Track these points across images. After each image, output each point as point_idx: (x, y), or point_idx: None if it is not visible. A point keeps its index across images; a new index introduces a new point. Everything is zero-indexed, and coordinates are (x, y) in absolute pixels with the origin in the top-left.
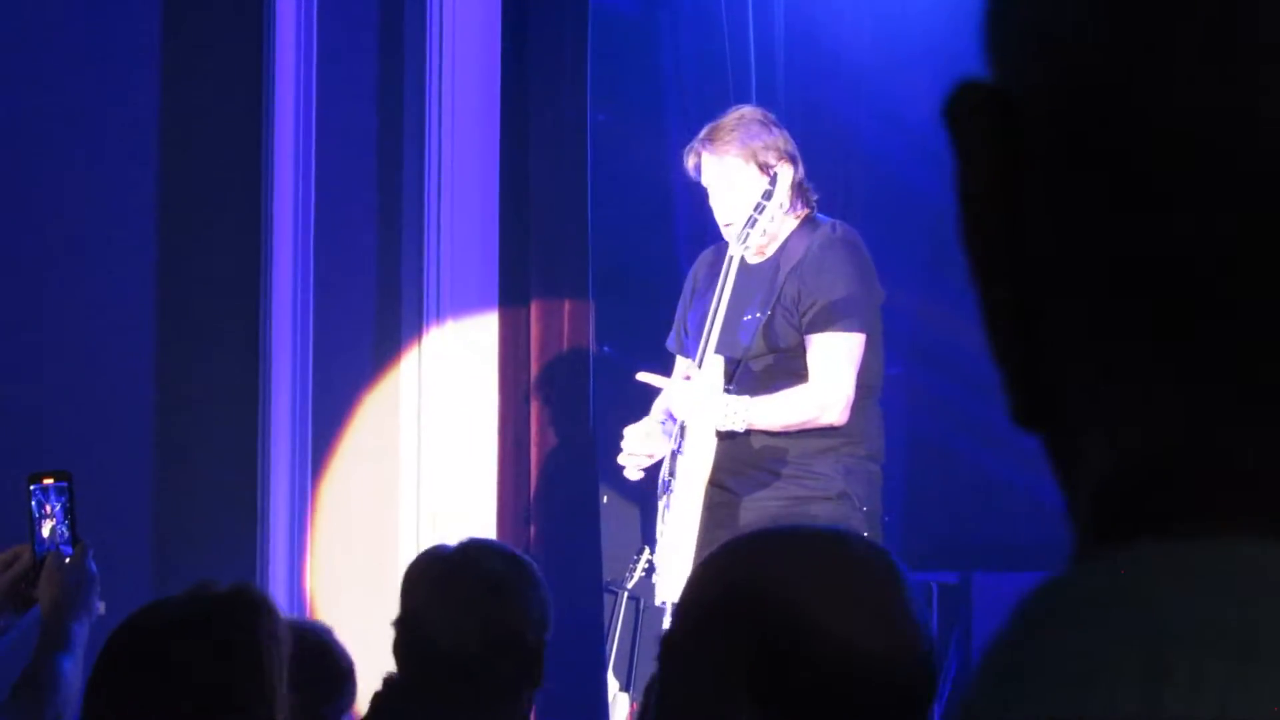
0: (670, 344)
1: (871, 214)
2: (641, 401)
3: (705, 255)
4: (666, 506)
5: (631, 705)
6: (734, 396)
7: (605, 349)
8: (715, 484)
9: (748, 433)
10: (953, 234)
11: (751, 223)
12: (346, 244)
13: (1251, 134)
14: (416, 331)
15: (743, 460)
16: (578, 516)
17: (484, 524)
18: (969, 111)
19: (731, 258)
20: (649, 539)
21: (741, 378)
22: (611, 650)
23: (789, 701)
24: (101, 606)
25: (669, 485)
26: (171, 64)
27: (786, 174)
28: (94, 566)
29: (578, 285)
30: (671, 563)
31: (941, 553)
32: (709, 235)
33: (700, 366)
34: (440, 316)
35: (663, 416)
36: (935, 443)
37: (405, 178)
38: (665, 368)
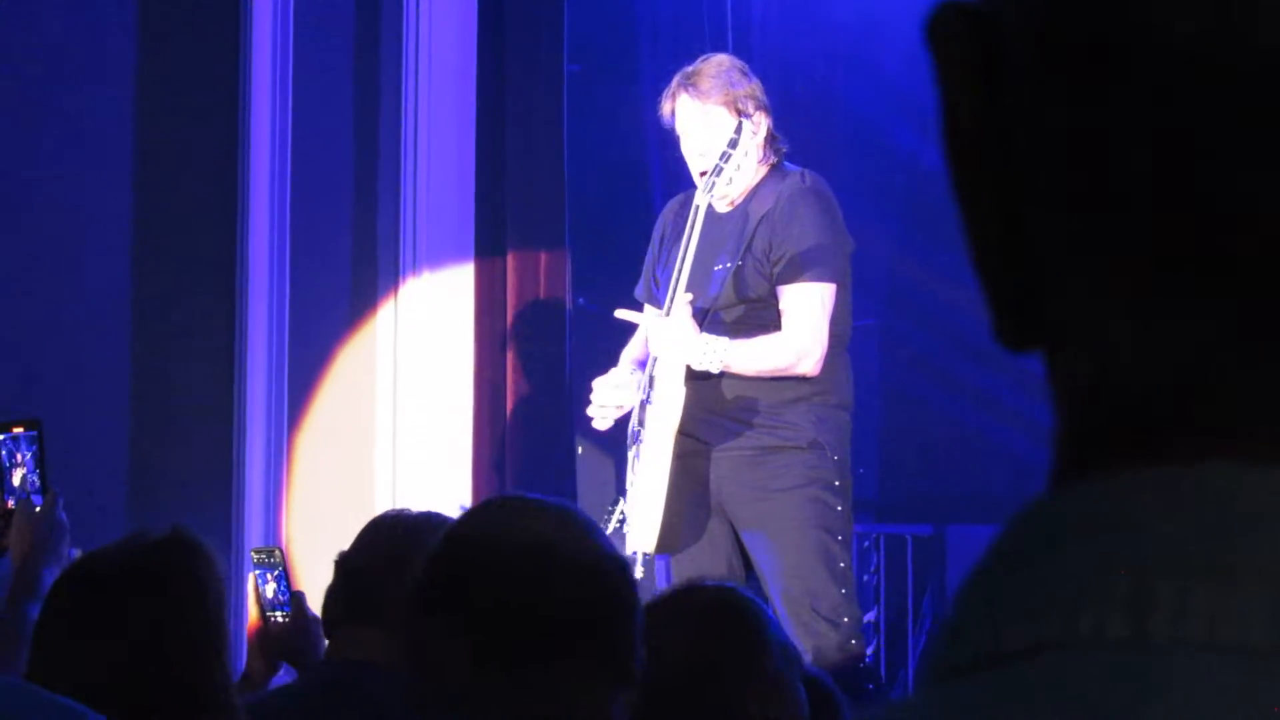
0: (639, 292)
1: (848, 166)
2: (617, 352)
3: (673, 204)
4: (636, 456)
5: None
6: (713, 336)
7: (580, 300)
8: (685, 433)
9: (718, 381)
10: (928, 187)
11: (718, 170)
12: (323, 195)
13: (1247, 42)
14: (393, 282)
15: (713, 409)
16: (553, 467)
17: (459, 474)
18: (948, 27)
19: (698, 206)
20: (623, 490)
21: (711, 328)
22: None
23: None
24: (77, 554)
25: (638, 435)
26: (149, 17)
27: (762, 122)
28: (64, 515)
29: (554, 236)
30: (642, 513)
31: (916, 505)
32: (683, 186)
33: (668, 313)
34: (416, 268)
35: (631, 368)
36: (910, 395)
37: (381, 128)
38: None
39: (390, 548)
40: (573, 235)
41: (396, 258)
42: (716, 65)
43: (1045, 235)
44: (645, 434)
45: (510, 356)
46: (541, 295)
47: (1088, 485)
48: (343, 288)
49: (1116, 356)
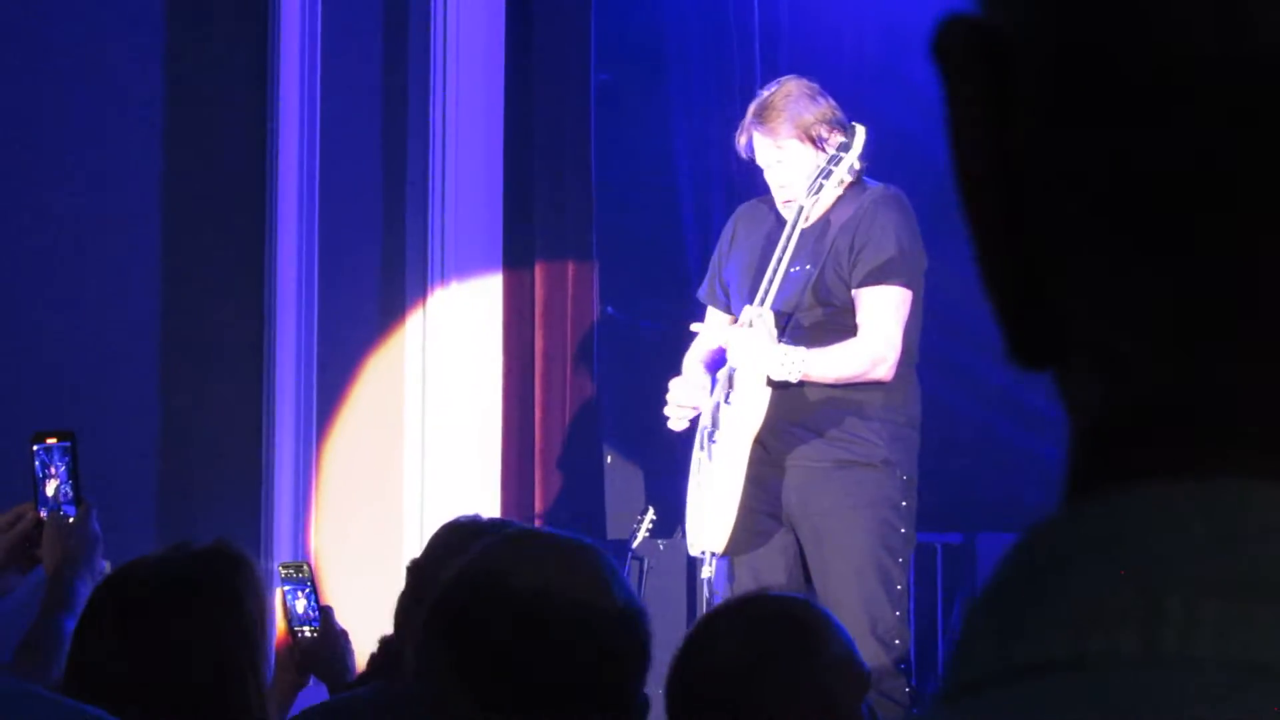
0: (702, 294)
1: (875, 173)
2: (646, 361)
3: (746, 207)
4: (708, 457)
5: None
6: (791, 346)
7: (609, 309)
8: (756, 440)
9: (792, 391)
10: (955, 195)
11: (826, 174)
12: (352, 205)
13: (1257, 56)
14: (421, 293)
15: (786, 419)
16: (582, 477)
17: (488, 485)
18: (955, 41)
19: (802, 208)
20: (652, 499)
21: (791, 332)
22: None
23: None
24: (106, 566)
25: (712, 436)
26: (178, 22)
27: (836, 140)
28: (98, 527)
29: (582, 246)
30: (713, 513)
31: (946, 513)
32: (712, 195)
33: (750, 323)
34: (445, 278)
35: (701, 369)
36: (939, 401)
37: (410, 138)
38: (671, 326)
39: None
40: (601, 244)
41: (425, 268)
42: (784, 96)
43: (1054, 252)
44: (720, 435)
45: (539, 367)
46: (570, 305)
47: (1098, 502)
48: (371, 298)
49: (1127, 374)
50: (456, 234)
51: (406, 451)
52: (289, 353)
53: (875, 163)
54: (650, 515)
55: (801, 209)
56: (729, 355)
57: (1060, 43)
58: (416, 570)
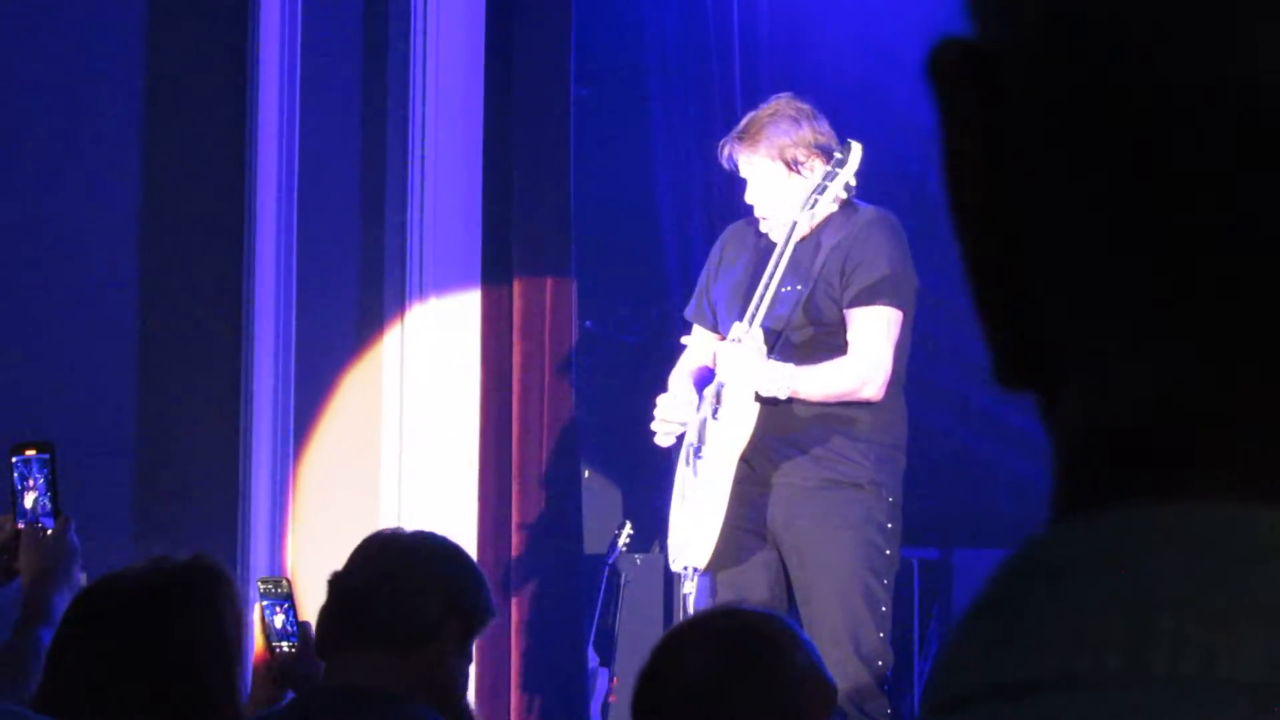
0: (690, 313)
1: (857, 192)
2: (624, 376)
3: (734, 228)
4: (694, 474)
5: (612, 679)
6: (780, 363)
7: (587, 324)
8: (743, 458)
9: (780, 409)
10: (935, 210)
11: (821, 189)
12: (330, 220)
13: (1249, 86)
14: (399, 308)
15: (773, 436)
16: (558, 492)
17: (465, 500)
18: (950, 64)
19: (796, 223)
20: (630, 513)
21: (781, 350)
22: (592, 626)
23: None
24: (83, 578)
25: (698, 452)
26: (157, 38)
27: (819, 169)
28: (76, 539)
29: (560, 262)
30: (698, 529)
31: (922, 529)
32: (690, 210)
33: (739, 339)
34: (423, 294)
35: (688, 385)
36: (916, 418)
37: (389, 153)
38: (649, 340)
39: (388, 568)
40: (579, 259)
41: (403, 283)
42: (769, 115)
43: (1044, 274)
44: (707, 451)
45: (516, 381)
46: (548, 320)
47: (1086, 523)
48: (349, 313)
49: (1114, 396)
50: (434, 249)
51: (383, 466)
52: (266, 367)
53: (856, 176)
54: (628, 529)
55: (795, 224)
56: (718, 370)
57: (1055, 66)
58: (338, 583)
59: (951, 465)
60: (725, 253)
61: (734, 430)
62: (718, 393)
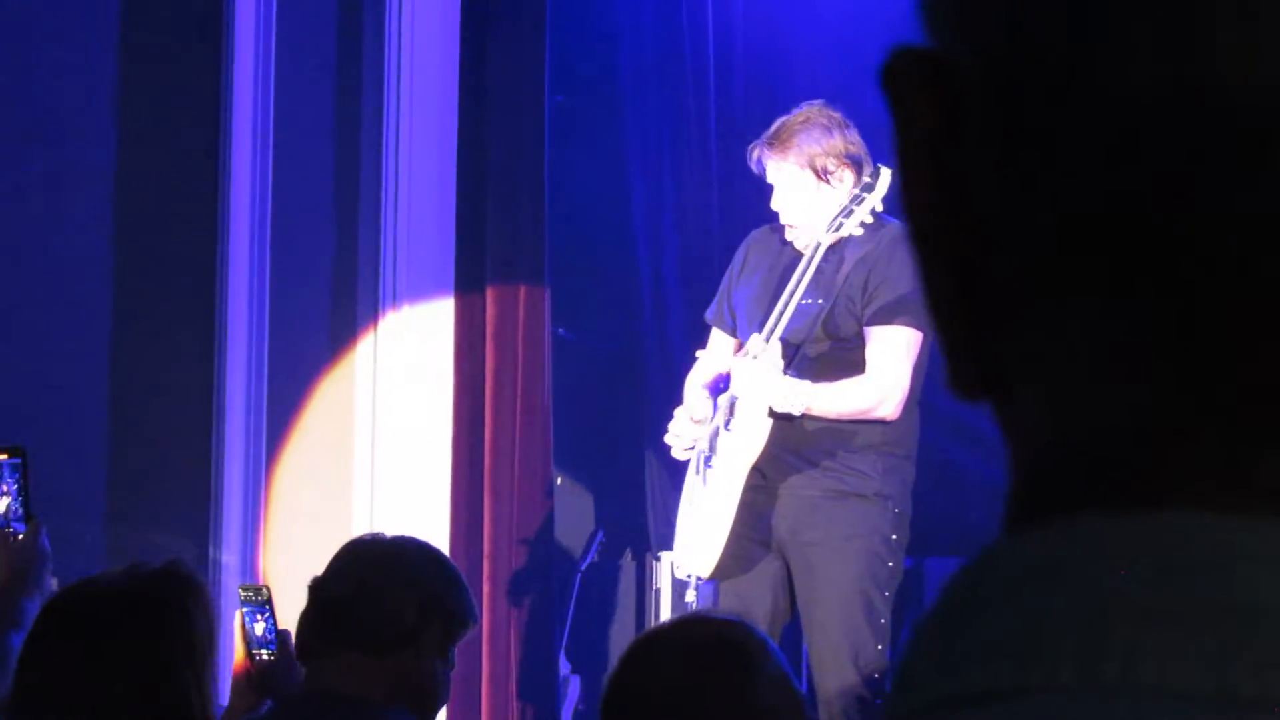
0: (710, 316)
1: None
2: (597, 383)
3: (758, 234)
4: (703, 482)
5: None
6: (796, 380)
7: (560, 331)
8: (753, 467)
9: (792, 421)
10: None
11: (847, 212)
12: (303, 228)
13: (1206, 90)
14: (372, 316)
15: (782, 446)
16: (531, 499)
17: (438, 507)
18: (904, 72)
19: (820, 244)
20: (602, 521)
21: (798, 363)
22: (564, 632)
23: None
24: (54, 584)
25: (709, 461)
26: (131, 44)
27: (848, 179)
28: (47, 544)
29: (534, 269)
30: (704, 539)
31: None
32: (664, 218)
33: (755, 356)
34: (396, 301)
35: (704, 394)
36: None
37: (362, 160)
38: (623, 349)
39: (367, 573)
40: (552, 267)
41: (376, 291)
42: (801, 122)
43: (1000, 281)
44: (717, 461)
45: (489, 389)
46: (521, 327)
47: (1041, 532)
48: (322, 321)
49: (1070, 403)
50: (408, 256)
51: (356, 474)
52: (239, 375)
53: None
54: (600, 538)
55: (820, 245)
56: (733, 384)
57: (1011, 75)
58: (318, 589)
59: (924, 474)
60: (749, 258)
61: (745, 443)
62: (731, 404)
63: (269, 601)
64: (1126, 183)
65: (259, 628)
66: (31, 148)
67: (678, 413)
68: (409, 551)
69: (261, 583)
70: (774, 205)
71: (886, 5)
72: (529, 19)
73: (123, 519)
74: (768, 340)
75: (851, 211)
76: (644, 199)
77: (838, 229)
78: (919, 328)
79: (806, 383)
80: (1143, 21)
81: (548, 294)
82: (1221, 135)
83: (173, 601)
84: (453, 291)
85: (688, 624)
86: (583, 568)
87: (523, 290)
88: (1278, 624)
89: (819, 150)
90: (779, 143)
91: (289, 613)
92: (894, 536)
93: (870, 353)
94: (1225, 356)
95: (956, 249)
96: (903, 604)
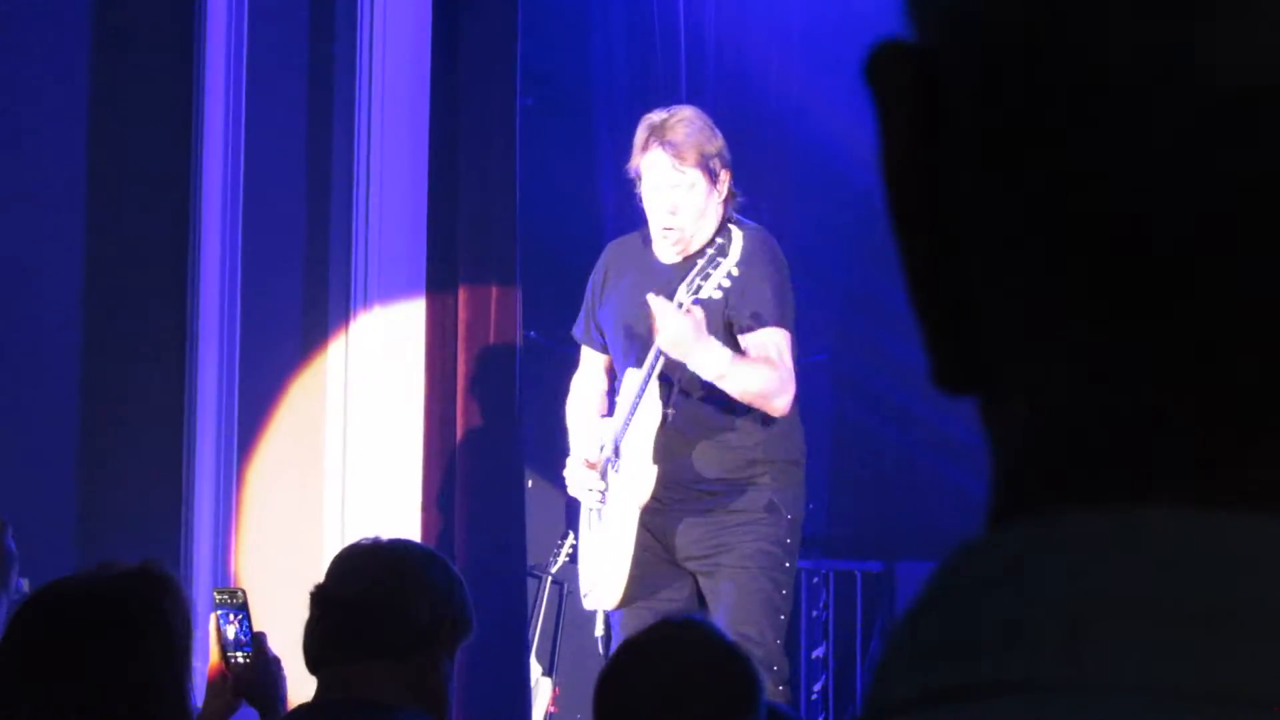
0: (578, 334)
1: (800, 202)
2: (568, 385)
3: (615, 247)
4: (598, 517)
5: (554, 690)
6: (720, 345)
7: (531, 333)
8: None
9: (683, 458)
10: (879, 224)
11: (705, 275)
12: (275, 228)
13: (1184, 85)
14: (344, 317)
15: (675, 479)
16: (502, 501)
17: (409, 508)
18: (888, 67)
19: (682, 304)
20: (572, 524)
21: (675, 398)
22: (534, 635)
23: None
24: (26, 585)
25: (603, 496)
26: (102, 44)
27: (726, 179)
28: (13, 544)
29: (505, 271)
30: (606, 574)
31: (865, 541)
32: (635, 220)
33: (689, 308)
34: (368, 302)
35: (590, 434)
36: (860, 431)
37: (334, 161)
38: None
39: (377, 578)
40: (524, 268)
41: (348, 292)
42: (689, 122)
43: (983, 277)
44: (611, 498)
45: (460, 391)
46: (492, 330)
47: (1023, 527)
48: (294, 322)
49: (1053, 399)
50: (379, 258)
51: (328, 475)
52: (211, 376)
53: (800, 190)
54: (570, 540)
55: (681, 305)
56: (658, 336)
57: (996, 68)
58: (320, 595)
59: (895, 478)
60: (609, 273)
61: (634, 487)
62: (616, 446)
63: (245, 604)
64: (1111, 176)
65: (232, 630)
66: (1, 149)
67: (570, 460)
68: (414, 554)
69: (236, 585)
70: (661, 205)
71: (855, 7)
72: (500, 21)
73: (94, 521)
74: (691, 295)
75: (709, 275)
76: (614, 202)
77: (697, 291)
78: (789, 329)
79: (728, 351)
80: (1125, 12)
81: (519, 295)
82: (1207, 128)
83: (148, 601)
84: (424, 292)
85: (677, 626)
86: (553, 570)
87: (494, 291)
88: (1258, 621)
89: (712, 150)
90: (675, 139)
91: (264, 613)
92: (788, 541)
93: (755, 355)
94: (1205, 353)
95: (939, 243)
96: (873, 608)
